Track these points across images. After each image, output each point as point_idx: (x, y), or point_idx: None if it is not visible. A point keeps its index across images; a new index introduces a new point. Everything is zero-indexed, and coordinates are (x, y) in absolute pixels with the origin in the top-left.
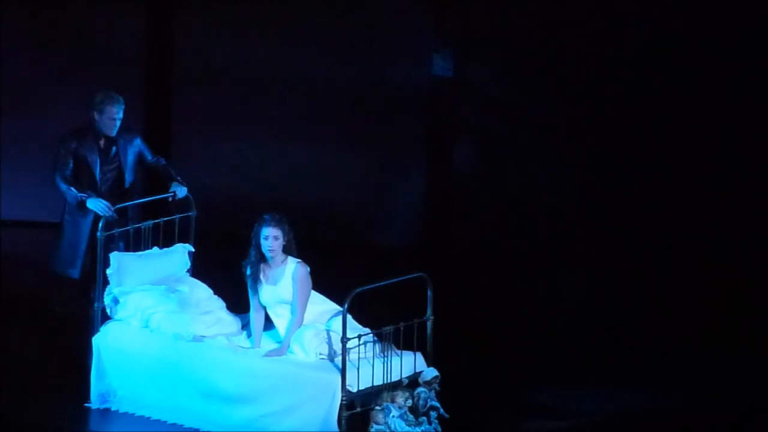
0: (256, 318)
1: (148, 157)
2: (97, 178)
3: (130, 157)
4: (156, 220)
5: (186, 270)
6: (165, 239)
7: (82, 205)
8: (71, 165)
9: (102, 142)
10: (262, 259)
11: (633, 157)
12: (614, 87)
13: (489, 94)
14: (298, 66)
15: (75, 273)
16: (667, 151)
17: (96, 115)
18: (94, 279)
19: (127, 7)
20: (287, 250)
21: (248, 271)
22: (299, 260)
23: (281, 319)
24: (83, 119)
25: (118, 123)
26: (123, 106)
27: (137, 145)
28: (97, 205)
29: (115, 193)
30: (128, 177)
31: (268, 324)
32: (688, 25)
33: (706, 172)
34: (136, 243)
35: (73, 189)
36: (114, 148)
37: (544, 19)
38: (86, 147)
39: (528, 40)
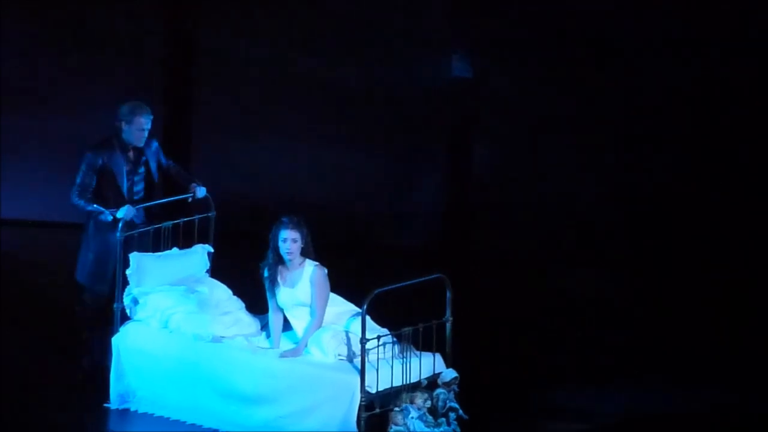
0: (274, 319)
1: (162, 160)
2: (124, 191)
3: (155, 164)
4: (175, 221)
5: (205, 270)
6: (184, 240)
7: (115, 221)
8: (94, 183)
9: (130, 154)
10: (280, 261)
11: (651, 159)
12: (634, 89)
13: (508, 95)
14: (318, 67)
15: (104, 288)
16: (683, 152)
17: (124, 126)
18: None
19: (148, 8)
20: (305, 253)
21: (266, 273)
22: (317, 263)
23: (299, 321)
24: (106, 120)
25: (146, 134)
26: (152, 117)
27: (156, 149)
28: (128, 212)
29: (143, 202)
30: (154, 184)
31: (287, 325)
32: (704, 28)
33: (720, 175)
34: (155, 244)
35: (96, 206)
36: (143, 158)
37: (564, 20)
38: (114, 161)
39: (547, 41)
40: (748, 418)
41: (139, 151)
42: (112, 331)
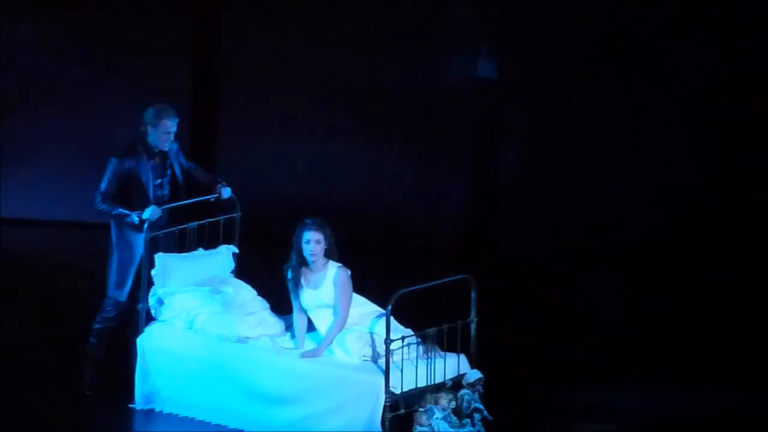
0: (299, 320)
1: (183, 161)
2: (151, 196)
3: (178, 167)
4: (201, 222)
5: (230, 271)
6: (209, 240)
7: (141, 223)
8: (117, 188)
9: (156, 159)
10: (304, 263)
11: (679, 159)
12: (661, 87)
13: (533, 95)
14: (344, 66)
15: (122, 296)
16: (713, 150)
17: (150, 129)
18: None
19: (174, 8)
20: (328, 254)
21: (289, 275)
22: (340, 264)
23: (322, 323)
24: (134, 120)
25: (173, 137)
26: (177, 120)
27: (176, 150)
28: (154, 213)
29: (168, 203)
30: (182, 186)
31: (311, 326)
32: (733, 20)
33: (750, 177)
34: (180, 244)
35: (120, 210)
36: (168, 162)
37: (589, 19)
38: (141, 167)
39: (572, 40)
40: None
41: (164, 155)
42: (137, 331)
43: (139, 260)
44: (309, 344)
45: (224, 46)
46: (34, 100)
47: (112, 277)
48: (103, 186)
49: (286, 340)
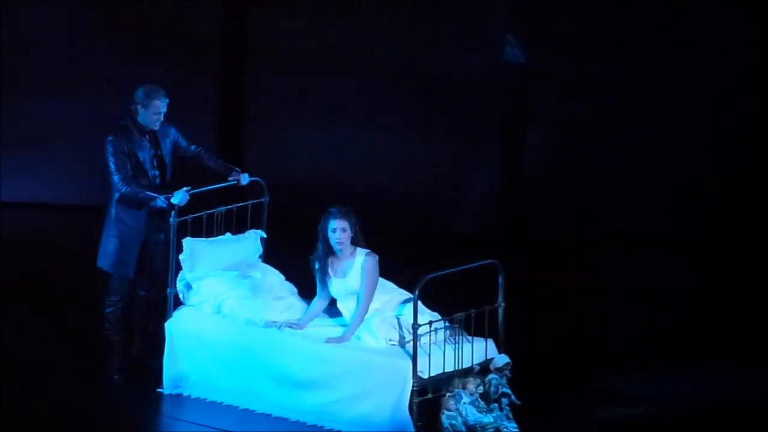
0: (317, 303)
1: (183, 143)
2: (150, 175)
3: (169, 148)
4: (229, 206)
5: (258, 256)
6: (237, 225)
7: (170, 207)
8: (129, 167)
9: (148, 137)
10: (331, 251)
11: (709, 145)
12: (690, 72)
13: (563, 80)
14: (374, 53)
15: (130, 272)
16: (746, 137)
17: (140, 109)
18: (143, 273)
19: None
20: (355, 242)
21: (317, 266)
22: (368, 250)
23: (351, 312)
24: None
25: (162, 117)
26: (167, 101)
27: (172, 135)
28: (183, 198)
29: (164, 187)
30: (169, 169)
31: (337, 312)
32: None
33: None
34: (208, 229)
35: (147, 193)
36: (161, 141)
37: (618, 4)
38: (135, 144)
39: (601, 26)
40: None
41: (154, 135)
42: (166, 316)
43: (142, 236)
44: (335, 331)
45: (252, 31)
46: (62, 85)
47: (113, 254)
48: (113, 167)
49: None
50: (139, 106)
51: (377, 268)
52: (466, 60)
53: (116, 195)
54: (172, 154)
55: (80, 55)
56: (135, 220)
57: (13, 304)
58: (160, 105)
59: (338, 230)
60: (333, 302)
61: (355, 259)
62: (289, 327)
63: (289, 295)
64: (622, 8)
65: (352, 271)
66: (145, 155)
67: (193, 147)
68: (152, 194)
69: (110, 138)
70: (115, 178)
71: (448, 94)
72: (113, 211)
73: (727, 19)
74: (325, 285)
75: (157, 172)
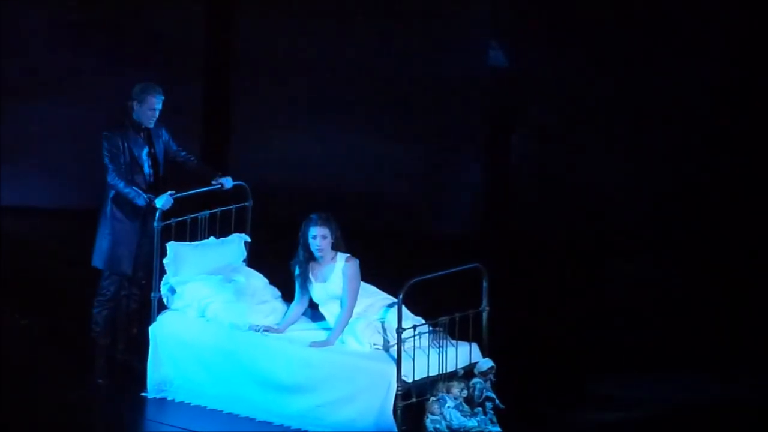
0: (295, 308)
1: (173, 148)
2: (146, 172)
3: (162, 149)
4: (213, 210)
5: (242, 260)
6: (222, 229)
7: (151, 209)
8: (122, 162)
9: (142, 135)
10: (311, 257)
11: (690, 150)
12: (672, 77)
13: (546, 85)
14: (357, 57)
15: (127, 269)
16: (724, 139)
17: (136, 106)
18: (143, 271)
19: None
20: (336, 247)
21: (297, 272)
22: (349, 255)
23: (334, 316)
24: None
25: (157, 114)
26: (163, 98)
27: (165, 137)
28: (167, 202)
29: (157, 185)
30: (162, 168)
31: (322, 317)
32: (748, 15)
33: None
34: (192, 232)
35: (135, 189)
36: (155, 140)
37: (601, 9)
38: (131, 140)
39: (584, 30)
40: None
41: (149, 133)
42: (150, 320)
43: (138, 234)
44: (319, 335)
45: (236, 35)
46: (42, 90)
47: (108, 251)
48: (107, 160)
49: (295, 328)
50: (134, 102)
51: (359, 272)
52: (449, 65)
53: (111, 193)
54: (164, 156)
55: (64, 61)
56: (130, 217)
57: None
58: (155, 101)
59: (318, 237)
60: (314, 306)
61: (336, 263)
62: (267, 332)
63: (273, 299)
64: (605, 13)
65: (333, 275)
66: (140, 152)
67: (183, 153)
68: (136, 190)
69: (105, 133)
70: (109, 170)
71: (431, 98)
72: (108, 209)
73: (711, 21)
74: (305, 290)
75: (152, 171)
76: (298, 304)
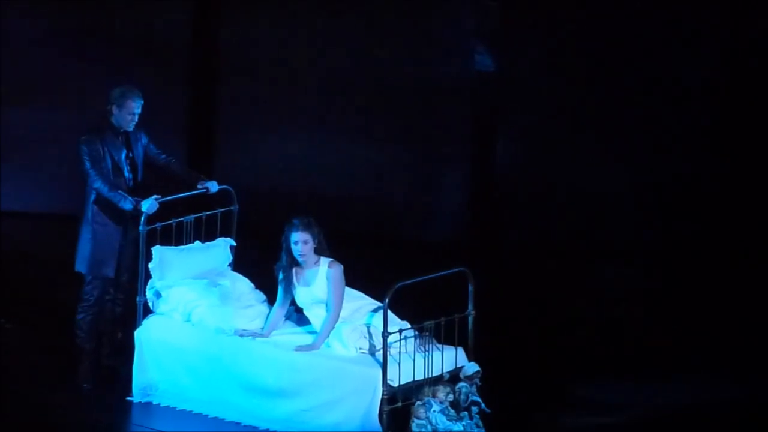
0: (277, 312)
1: (153, 150)
2: (126, 176)
3: (141, 152)
4: (198, 214)
5: (228, 264)
6: (207, 233)
7: (136, 213)
8: (103, 165)
9: (121, 138)
10: (294, 262)
11: (678, 149)
12: (660, 81)
13: (533, 89)
14: (344, 61)
15: (110, 272)
16: (712, 142)
17: (115, 110)
18: (127, 274)
19: (173, 1)
20: (319, 251)
21: (280, 276)
22: (332, 259)
23: (318, 320)
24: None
25: (137, 118)
26: (142, 102)
27: (144, 140)
28: (152, 206)
29: (136, 189)
30: (140, 172)
31: (307, 321)
32: (732, 17)
33: (748, 164)
34: (178, 237)
35: (120, 193)
36: (133, 143)
37: (588, 13)
38: (110, 144)
39: (571, 33)
40: None
41: (128, 137)
42: (135, 324)
43: (120, 238)
44: (305, 339)
45: (222, 40)
46: (31, 94)
47: (90, 255)
48: (87, 165)
49: (280, 333)
50: (113, 107)
51: (342, 277)
52: (437, 69)
53: (92, 196)
54: (143, 160)
55: (51, 64)
56: (111, 220)
57: None
58: (135, 105)
59: (300, 242)
60: (299, 310)
61: (320, 267)
62: (251, 337)
63: (258, 303)
64: (592, 17)
65: (316, 279)
66: (119, 156)
67: (163, 156)
68: (122, 194)
69: (83, 137)
70: (92, 174)
71: (418, 102)
72: (89, 213)
73: (699, 27)
74: (288, 294)
75: (131, 175)
76: (280, 307)
